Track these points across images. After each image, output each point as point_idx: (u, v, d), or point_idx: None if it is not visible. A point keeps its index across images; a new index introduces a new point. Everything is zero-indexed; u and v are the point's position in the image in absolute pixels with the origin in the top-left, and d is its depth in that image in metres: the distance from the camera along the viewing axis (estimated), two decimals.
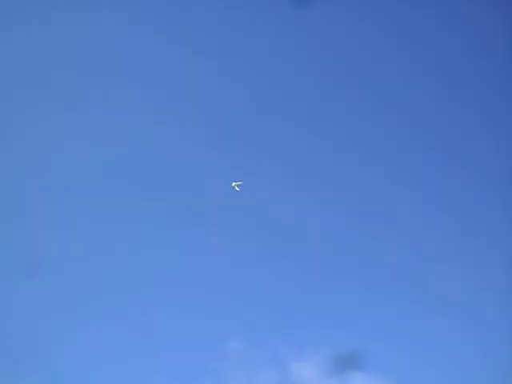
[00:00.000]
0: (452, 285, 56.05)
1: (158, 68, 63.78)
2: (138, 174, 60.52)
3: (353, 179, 61.62)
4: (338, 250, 58.86)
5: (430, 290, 56.06)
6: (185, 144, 61.41)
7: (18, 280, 54.34)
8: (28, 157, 59.84)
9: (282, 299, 55.99)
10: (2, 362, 51.92)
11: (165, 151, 61.65)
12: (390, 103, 63.57)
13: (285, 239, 58.88)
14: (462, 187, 60.67)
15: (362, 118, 63.36)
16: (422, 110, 63.41)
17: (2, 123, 60.03)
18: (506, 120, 61.12)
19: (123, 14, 63.08)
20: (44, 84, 61.40)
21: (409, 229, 59.47)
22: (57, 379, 51.99)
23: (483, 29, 63.28)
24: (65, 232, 57.87)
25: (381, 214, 60.13)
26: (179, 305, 55.28)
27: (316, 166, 61.99)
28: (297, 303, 55.97)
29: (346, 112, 63.92)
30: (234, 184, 57.29)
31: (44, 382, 51.41)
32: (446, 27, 63.92)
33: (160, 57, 63.67)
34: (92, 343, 53.54)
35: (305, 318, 55.11)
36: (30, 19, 61.61)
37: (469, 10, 63.19)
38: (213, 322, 54.52)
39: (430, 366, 53.05)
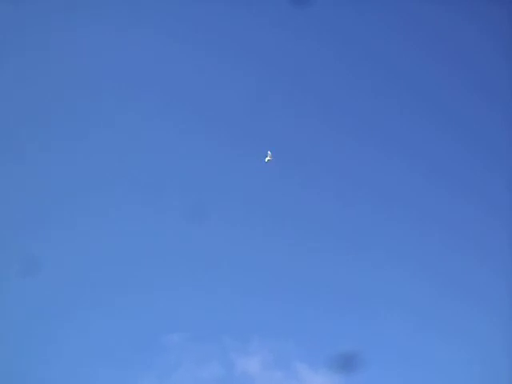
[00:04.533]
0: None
1: (157, 67, 63.87)
2: (138, 172, 60.56)
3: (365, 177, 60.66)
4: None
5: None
6: (185, 143, 61.53)
7: (17, 280, 54.76)
8: (28, 157, 60.56)
9: (227, 290, 54.80)
10: (1, 362, 52.28)
11: (166, 149, 61.62)
12: (394, 101, 63.07)
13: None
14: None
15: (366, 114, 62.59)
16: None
17: (1, 123, 61.08)
18: None
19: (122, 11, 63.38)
20: (43, 83, 62.10)
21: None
22: None
23: None
24: (64, 231, 58.06)
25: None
26: (118, 298, 54.10)
27: (322, 162, 61.52)
28: (242, 293, 54.78)
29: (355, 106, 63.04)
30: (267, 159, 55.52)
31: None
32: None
33: (159, 55, 63.77)
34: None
35: (251, 309, 53.93)
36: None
37: None
38: (155, 315, 53.30)
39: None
